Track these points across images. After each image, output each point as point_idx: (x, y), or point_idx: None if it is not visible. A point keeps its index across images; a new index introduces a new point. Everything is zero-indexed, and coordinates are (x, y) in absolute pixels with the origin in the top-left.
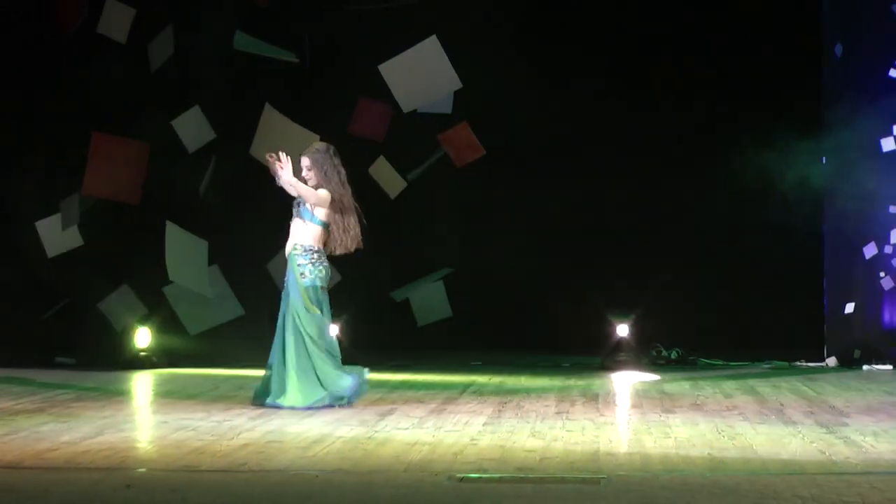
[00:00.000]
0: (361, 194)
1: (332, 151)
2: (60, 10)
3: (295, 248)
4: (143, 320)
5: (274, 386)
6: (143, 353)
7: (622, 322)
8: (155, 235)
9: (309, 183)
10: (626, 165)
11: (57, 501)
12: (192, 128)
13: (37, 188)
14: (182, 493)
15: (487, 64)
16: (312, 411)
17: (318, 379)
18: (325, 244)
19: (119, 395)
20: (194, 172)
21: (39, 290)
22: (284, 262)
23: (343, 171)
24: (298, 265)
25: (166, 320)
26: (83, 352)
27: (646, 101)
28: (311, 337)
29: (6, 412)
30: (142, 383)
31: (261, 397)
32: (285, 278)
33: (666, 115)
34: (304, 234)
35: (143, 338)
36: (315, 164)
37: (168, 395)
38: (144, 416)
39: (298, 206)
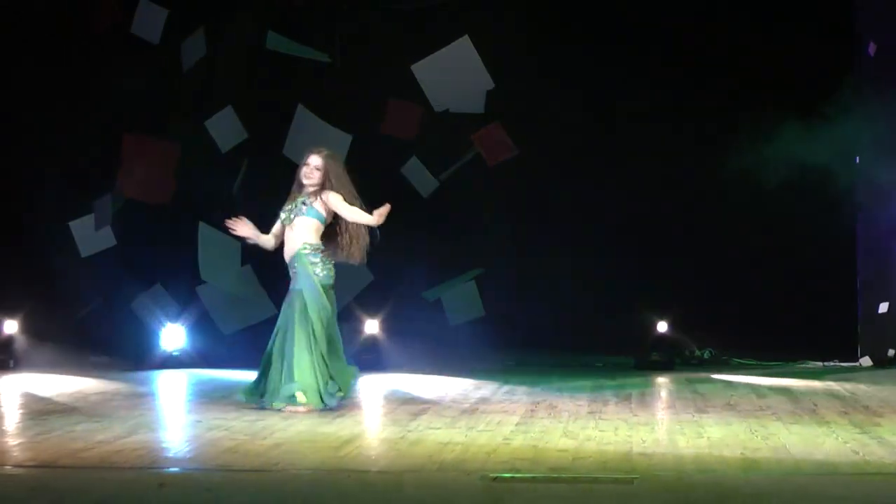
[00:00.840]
0: (394, 194)
1: (343, 163)
2: (97, 10)
3: (304, 248)
4: (176, 320)
5: (271, 386)
6: (175, 353)
7: (656, 322)
8: (188, 236)
9: (311, 181)
10: (658, 165)
11: (91, 500)
12: (225, 128)
13: (69, 189)
14: (215, 492)
15: (520, 64)
16: (342, 410)
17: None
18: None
19: (152, 394)
20: (227, 173)
21: (73, 289)
22: None
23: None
24: (312, 263)
25: (199, 320)
26: (116, 351)
27: (678, 99)
28: (314, 334)
29: (41, 412)
30: (174, 383)
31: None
32: (292, 283)
33: (699, 112)
34: (309, 232)
35: (176, 338)
36: (326, 168)
37: (201, 394)
38: (177, 416)
39: (304, 204)
